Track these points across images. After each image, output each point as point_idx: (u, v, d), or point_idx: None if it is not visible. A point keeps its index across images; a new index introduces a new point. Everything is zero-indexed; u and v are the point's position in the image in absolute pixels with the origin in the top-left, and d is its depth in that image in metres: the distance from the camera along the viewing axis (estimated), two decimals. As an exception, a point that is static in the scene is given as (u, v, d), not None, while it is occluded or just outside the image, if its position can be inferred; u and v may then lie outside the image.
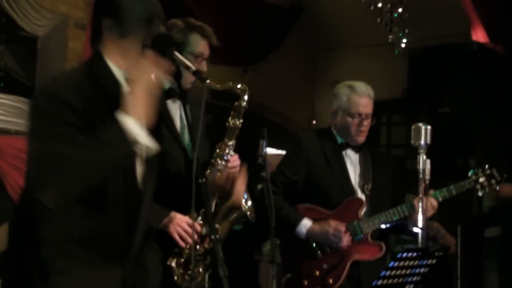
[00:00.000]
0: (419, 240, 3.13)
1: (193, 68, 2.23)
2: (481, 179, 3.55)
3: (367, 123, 3.60)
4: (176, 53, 2.17)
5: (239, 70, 7.24)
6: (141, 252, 2.22)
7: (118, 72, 2.12)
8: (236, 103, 2.97)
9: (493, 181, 3.55)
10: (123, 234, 2.10)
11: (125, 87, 2.08)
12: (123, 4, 2.11)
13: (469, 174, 3.59)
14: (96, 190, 1.99)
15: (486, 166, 3.58)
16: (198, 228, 2.87)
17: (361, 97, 3.59)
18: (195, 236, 2.85)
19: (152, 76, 2.04)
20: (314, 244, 3.50)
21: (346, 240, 3.46)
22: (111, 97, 2.05)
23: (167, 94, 3.00)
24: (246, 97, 2.95)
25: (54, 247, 2.02)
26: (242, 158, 3.05)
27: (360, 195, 3.59)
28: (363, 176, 3.62)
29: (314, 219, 3.51)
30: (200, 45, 3.01)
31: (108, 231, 2.06)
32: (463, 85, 4.69)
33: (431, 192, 3.49)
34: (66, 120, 1.96)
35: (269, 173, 2.83)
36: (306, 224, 3.49)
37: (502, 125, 4.84)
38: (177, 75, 2.27)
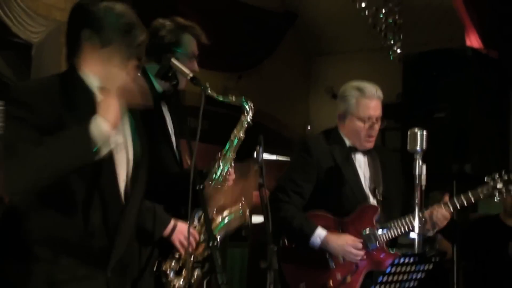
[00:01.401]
0: (416, 245, 3.12)
1: (190, 75, 2.23)
2: (499, 185, 3.41)
3: (378, 127, 3.47)
4: (173, 60, 2.17)
5: (233, 76, 7.25)
6: (130, 256, 2.25)
7: (94, 82, 2.19)
8: (242, 117, 2.97)
9: (511, 187, 3.40)
10: (102, 238, 2.13)
11: (99, 95, 2.16)
12: (100, 15, 2.18)
13: (486, 179, 3.44)
14: (62, 188, 2.06)
15: (503, 172, 3.43)
16: (197, 236, 2.87)
17: (371, 100, 3.44)
18: (194, 244, 2.84)
19: (124, 84, 2.12)
20: (327, 254, 3.39)
21: (361, 254, 3.36)
22: (82, 108, 2.12)
23: (160, 98, 2.99)
24: (251, 114, 2.95)
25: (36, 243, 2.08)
26: (237, 164, 3.05)
27: (372, 200, 3.46)
28: (373, 179, 3.49)
29: (325, 227, 3.39)
30: (192, 45, 2.98)
31: (84, 234, 2.10)
32: (458, 90, 4.69)
33: (446, 198, 3.40)
34: (24, 118, 2.05)
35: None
36: (320, 234, 3.36)
37: (497, 130, 4.85)
38: (173, 81, 2.26)
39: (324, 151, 3.50)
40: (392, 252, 3.42)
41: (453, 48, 4.93)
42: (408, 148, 3.13)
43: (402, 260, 2.92)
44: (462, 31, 5.77)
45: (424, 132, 3.11)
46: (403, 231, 3.40)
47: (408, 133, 3.14)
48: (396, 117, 6.71)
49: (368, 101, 3.45)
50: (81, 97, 2.14)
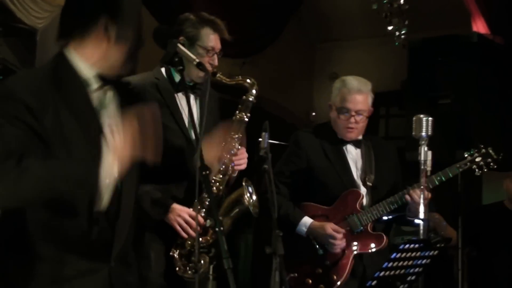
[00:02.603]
0: (421, 231, 3.14)
1: (196, 60, 2.23)
2: (478, 159, 3.48)
3: (355, 120, 3.49)
4: (179, 46, 2.17)
5: (237, 62, 7.23)
6: (129, 246, 2.21)
7: (88, 70, 2.05)
8: (244, 97, 2.99)
9: (489, 160, 3.48)
10: (104, 227, 2.08)
11: (95, 83, 2.05)
12: (124, 7, 2.04)
13: (465, 155, 3.53)
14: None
15: (482, 146, 3.51)
16: (201, 219, 2.88)
17: (350, 92, 3.50)
18: (198, 228, 2.85)
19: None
20: (315, 242, 3.47)
21: (342, 243, 3.42)
22: (74, 98, 2.02)
23: (177, 86, 3.00)
24: (254, 91, 2.97)
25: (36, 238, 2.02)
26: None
27: (362, 188, 3.54)
28: (364, 169, 3.56)
29: (313, 216, 3.49)
30: (211, 39, 3.00)
31: (87, 225, 2.04)
32: (463, 77, 4.67)
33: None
34: (17, 117, 1.91)
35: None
36: (306, 222, 3.46)
37: (502, 116, 4.84)
38: (179, 66, 2.26)
39: (314, 143, 3.58)
40: (377, 234, 3.49)
41: (459, 34, 4.89)
42: (413, 134, 3.15)
43: (407, 246, 2.94)
44: (468, 17, 5.74)
45: (430, 118, 3.14)
46: (384, 212, 3.46)
47: (414, 119, 3.17)
48: (401, 103, 6.71)
49: (347, 93, 3.50)
50: (76, 91, 2.04)
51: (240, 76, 2.97)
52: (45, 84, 1.99)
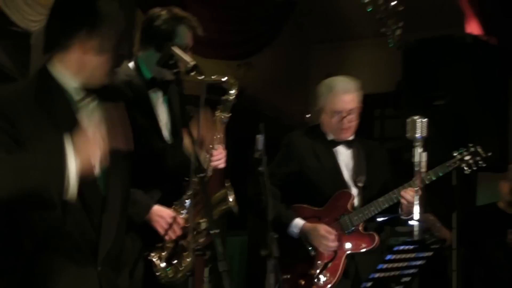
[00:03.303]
0: (416, 232, 3.15)
1: (192, 63, 2.23)
2: (467, 157, 3.52)
3: (348, 120, 3.55)
4: (174, 49, 2.17)
5: (233, 64, 7.23)
6: (119, 250, 2.21)
7: (72, 81, 2.09)
8: (223, 97, 2.94)
9: (478, 158, 3.52)
10: (86, 236, 2.07)
11: (79, 94, 2.08)
12: (105, 18, 2.06)
13: (454, 154, 3.57)
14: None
15: (471, 145, 3.55)
16: (181, 221, 2.87)
17: (338, 94, 3.55)
18: (178, 230, 2.85)
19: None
20: (307, 243, 3.49)
21: (333, 245, 3.45)
22: (56, 110, 2.04)
23: (149, 84, 2.97)
24: (233, 91, 2.91)
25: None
26: (236, 152, 3.05)
27: (353, 189, 3.57)
28: (355, 170, 3.59)
29: (305, 218, 3.51)
30: (187, 36, 2.95)
31: (68, 233, 2.04)
32: (458, 78, 4.69)
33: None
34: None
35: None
36: (297, 224, 3.49)
37: (497, 117, 4.85)
38: (174, 69, 2.26)
39: (306, 145, 3.61)
40: (368, 234, 3.52)
41: (453, 35, 4.91)
42: (407, 135, 3.15)
43: (402, 248, 2.95)
44: (462, 18, 5.75)
45: (424, 120, 3.14)
46: (376, 212, 3.49)
47: (408, 120, 3.17)
48: (396, 105, 6.71)
49: (335, 96, 3.56)
50: (57, 103, 2.06)
51: (215, 76, 2.82)
52: (25, 97, 2.02)
